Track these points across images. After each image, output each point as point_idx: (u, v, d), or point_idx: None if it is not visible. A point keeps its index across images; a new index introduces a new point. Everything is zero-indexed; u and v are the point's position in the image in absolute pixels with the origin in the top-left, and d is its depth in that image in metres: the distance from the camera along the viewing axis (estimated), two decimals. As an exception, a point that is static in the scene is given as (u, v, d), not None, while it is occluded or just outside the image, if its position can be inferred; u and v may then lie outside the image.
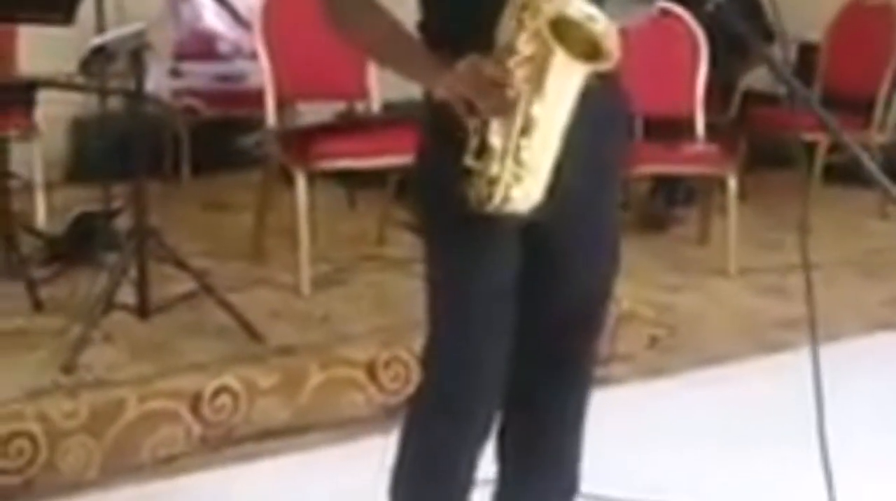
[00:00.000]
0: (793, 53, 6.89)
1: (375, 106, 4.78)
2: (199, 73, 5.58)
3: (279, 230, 4.70)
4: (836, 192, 6.07)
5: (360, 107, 5.18)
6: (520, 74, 1.95)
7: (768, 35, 6.26)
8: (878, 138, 5.99)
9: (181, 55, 5.66)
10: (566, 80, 1.95)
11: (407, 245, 4.86)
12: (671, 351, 4.32)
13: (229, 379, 3.53)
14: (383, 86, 4.77)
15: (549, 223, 2.09)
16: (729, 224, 4.97)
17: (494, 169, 1.98)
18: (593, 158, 2.13)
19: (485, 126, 1.99)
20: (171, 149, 5.63)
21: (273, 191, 4.74)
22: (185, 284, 3.96)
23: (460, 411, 2.24)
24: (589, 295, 2.28)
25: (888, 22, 5.53)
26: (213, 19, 5.66)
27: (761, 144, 6.19)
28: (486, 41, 1.98)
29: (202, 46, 5.72)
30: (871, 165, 1.64)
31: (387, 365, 3.75)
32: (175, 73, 5.46)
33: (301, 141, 4.35)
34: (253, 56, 4.91)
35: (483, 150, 2.00)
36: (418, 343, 3.76)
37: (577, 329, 2.31)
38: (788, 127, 6.43)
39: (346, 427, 3.65)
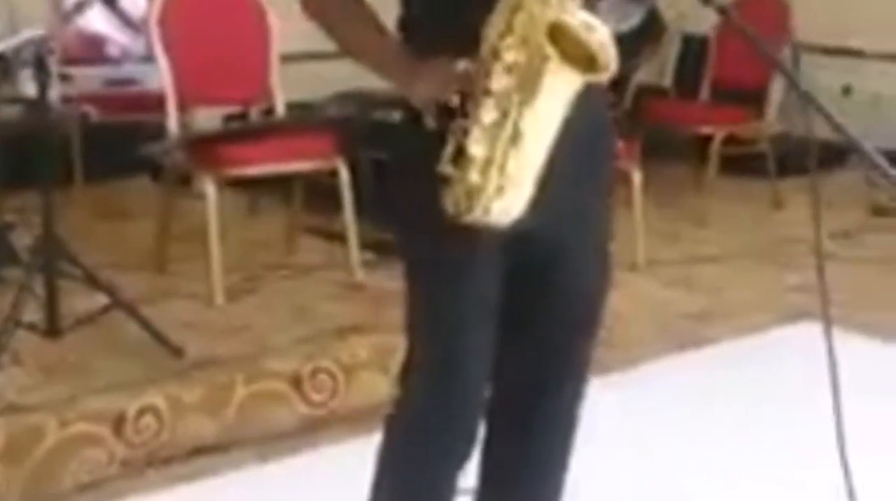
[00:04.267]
0: (676, 46, 6.98)
1: (280, 108, 4.65)
2: (89, 78, 5.37)
3: (181, 239, 4.55)
4: (731, 184, 6.14)
5: (254, 110, 5.06)
6: (507, 81, 1.87)
7: (660, 31, 6.35)
8: (770, 129, 6.07)
9: (68, 59, 5.43)
10: (560, 90, 1.87)
11: (317, 251, 4.77)
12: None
13: (153, 398, 3.38)
14: (286, 87, 4.67)
15: (534, 235, 2.01)
16: (636, 218, 4.96)
17: (474, 177, 1.90)
18: (582, 168, 2.06)
19: (464, 132, 1.91)
20: (61, 157, 5.40)
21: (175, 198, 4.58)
22: (92, 299, 3.80)
23: (442, 430, 2.15)
24: (579, 307, 2.21)
25: (779, 13, 5.59)
26: (99, 22, 5.45)
27: (653, 137, 6.22)
28: (471, 42, 1.90)
29: (89, 50, 5.50)
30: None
31: (312, 376, 3.64)
32: (63, 78, 5.24)
33: (210, 147, 4.21)
34: (144, 59, 4.75)
35: (460, 157, 1.91)
36: (343, 352, 3.75)
37: (567, 345, 2.23)
38: (682, 119, 6.54)
39: (274, 441, 3.53)
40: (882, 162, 1.53)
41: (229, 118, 5.48)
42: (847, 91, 6.21)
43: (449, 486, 2.20)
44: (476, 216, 1.91)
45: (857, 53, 6.50)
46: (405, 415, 2.19)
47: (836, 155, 5.83)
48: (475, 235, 1.96)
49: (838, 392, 1.79)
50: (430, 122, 1.95)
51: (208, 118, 5.30)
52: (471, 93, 1.88)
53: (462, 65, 1.89)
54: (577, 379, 2.28)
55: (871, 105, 6.03)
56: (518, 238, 2.00)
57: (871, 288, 4.73)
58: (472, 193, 1.90)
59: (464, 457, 2.19)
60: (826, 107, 1.68)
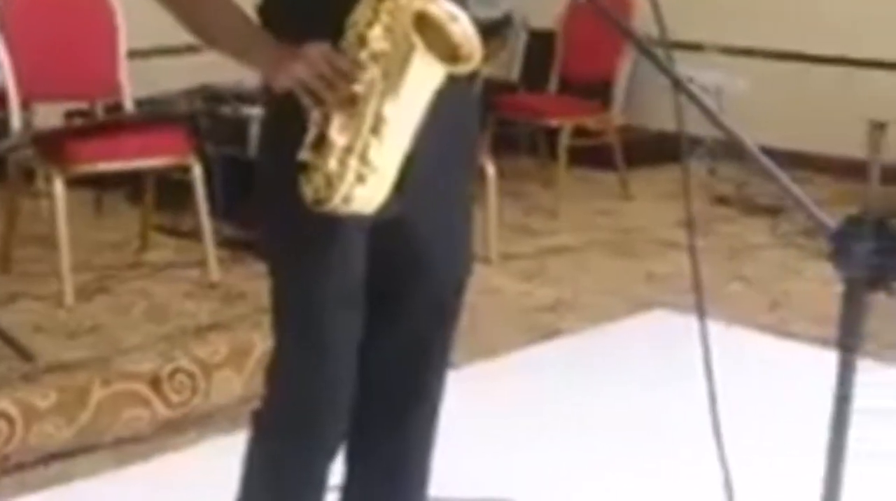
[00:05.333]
0: (523, 41, 7.05)
1: (128, 103, 4.56)
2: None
3: (25, 239, 4.44)
4: (581, 176, 6.24)
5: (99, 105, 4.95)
6: (373, 70, 1.87)
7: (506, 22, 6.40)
8: (616, 120, 6.20)
9: None
10: (424, 79, 1.88)
11: (168, 249, 4.69)
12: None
13: (4, 404, 3.28)
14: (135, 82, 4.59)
15: (401, 221, 2.02)
16: (489, 212, 5.00)
17: (333, 165, 1.88)
18: (448, 157, 2.07)
19: (326, 120, 1.89)
20: None
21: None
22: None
23: (310, 426, 2.13)
24: (443, 293, 2.22)
25: (623, 5, 5.69)
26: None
27: (502, 131, 6.29)
28: (334, 30, 1.89)
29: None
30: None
31: (171, 376, 3.58)
32: None
33: (59, 144, 4.10)
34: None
35: (321, 144, 1.89)
36: (203, 350, 3.70)
37: (433, 331, 2.24)
38: (531, 113, 6.60)
39: (132, 444, 3.47)
40: (760, 155, 1.56)
41: (71, 114, 5.35)
42: (689, 83, 6.35)
43: (322, 479, 2.19)
44: (335, 204, 1.89)
45: (696, 47, 6.66)
46: (275, 408, 2.17)
47: (679, 146, 5.97)
48: (339, 222, 1.95)
49: (713, 381, 1.83)
50: (306, 105, 1.92)
51: (48, 114, 5.17)
52: (336, 80, 1.87)
53: (330, 51, 1.88)
54: (442, 366, 2.30)
55: (712, 97, 6.18)
56: (385, 224, 2.00)
57: (717, 276, 4.85)
58: (332, 181, 1.88)
59: (335, 447, 2.18)
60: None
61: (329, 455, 2.19)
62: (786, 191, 1.53)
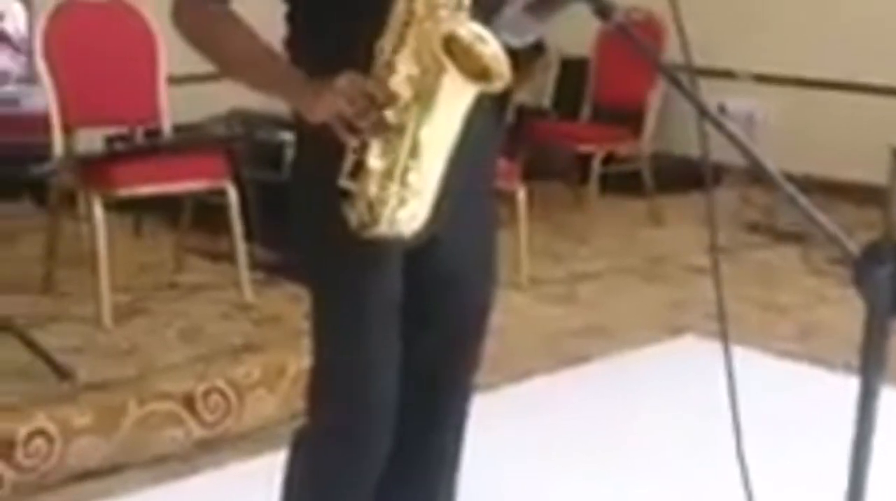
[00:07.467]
0: (555, 68, 7.11)
1: (167, 129, 4.63)
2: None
3: (66, 261, 4.51)
4: (611, 202, 6.27)
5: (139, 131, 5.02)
6: (405, 94, 1.91)
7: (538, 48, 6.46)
8: (648, 148, 6.23)
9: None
10: (456, 100, 1.91)
11: (204, 271, 4.75)
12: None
13: (43, 422, 3.34)
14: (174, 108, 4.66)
15: (433, 242, 2.05)
16: (520, 237, 5.04)
17: (374, 191, 1.92)
18: (475, 175, 2.12)
19: (363, 146, 1.93)
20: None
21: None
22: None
23: (359, 436, 2.16)
24: (470, 314, 2.26)
25: (653, 33, 5.73)
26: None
27: (535, 157, 6.34)
28: (363, 58, 1.92)
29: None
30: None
31: (205, 396, 3.63)
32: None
33: (99, 168, 4.18)
34: (26, 80, 4.69)
35: (359, 171, 1.93)
36: (237, 371, 3.75)
37: (461, 347, 2.29)
38: (563, 139, 6.65)
39: (167, 463, 3.52)
40: (784, 183, 1.59)
41: (112, 139, 5.43)
42: (722, 110, 6.38)
43: (366, 495, 2.22)
44: (381, 229, 1.93)
45: (727, 74, 6.69)
46: (323, 429, 2.19)
47: (712, 173, 6.01)
48: (380, 244, 1.98)
49: (737, 410, 1.85)
50: (343, 138, 1.96)
51: (90, 139, 5.25)
52: (369, 108, 1.90)
53: (360, 79, 1.91)
54: (470, 383, 2.34)
55: (743, 125, 6.21)
56: (422, 244, 2.03)
57: (747, 302, 4.87)
58: (374, 206, 1.92)
59: (379, 463, 2.20)
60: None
61: (377, 468, 2.21)
62: (810, 217, 1.57)
